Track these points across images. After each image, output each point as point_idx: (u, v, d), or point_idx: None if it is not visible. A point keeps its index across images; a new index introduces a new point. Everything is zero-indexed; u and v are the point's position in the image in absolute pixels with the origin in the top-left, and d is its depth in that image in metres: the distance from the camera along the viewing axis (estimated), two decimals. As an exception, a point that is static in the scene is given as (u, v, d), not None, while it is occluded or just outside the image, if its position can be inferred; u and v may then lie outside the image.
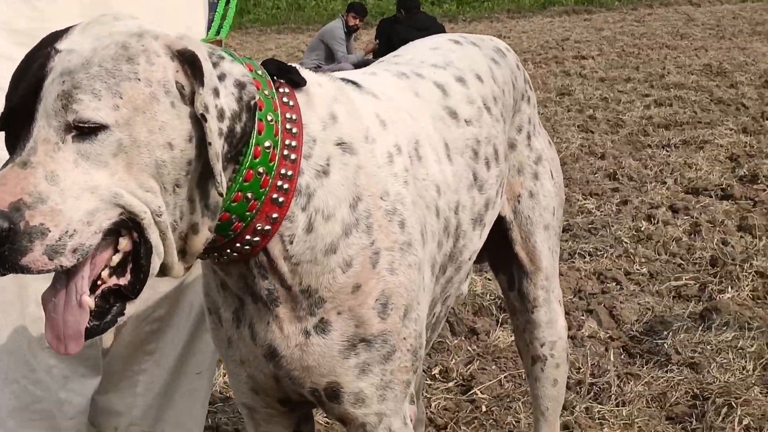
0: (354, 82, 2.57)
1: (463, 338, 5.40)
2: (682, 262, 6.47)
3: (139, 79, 2.01)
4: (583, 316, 5.56)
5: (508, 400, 4.64)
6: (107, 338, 3.29)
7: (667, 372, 4.80)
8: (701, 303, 5.71)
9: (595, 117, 11.72)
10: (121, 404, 3.41)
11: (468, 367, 5.00)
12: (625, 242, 6.88)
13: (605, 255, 6.65)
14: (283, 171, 2.22)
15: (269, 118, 2.19)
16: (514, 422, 4.43)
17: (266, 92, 2.22)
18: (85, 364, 3.16)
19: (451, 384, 4.86)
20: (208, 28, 2.76)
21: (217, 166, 2.02)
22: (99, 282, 2.08)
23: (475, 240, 2.85)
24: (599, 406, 4.49)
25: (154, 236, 2.07)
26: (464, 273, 2.91)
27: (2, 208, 1.92)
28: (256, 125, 2.16)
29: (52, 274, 2.05)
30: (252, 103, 2.12)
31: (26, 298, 2.98)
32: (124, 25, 2.10)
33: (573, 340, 5.15)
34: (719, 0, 28.67)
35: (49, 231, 1.94)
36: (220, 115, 2.05)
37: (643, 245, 6.80)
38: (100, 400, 3.38)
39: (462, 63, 2.97)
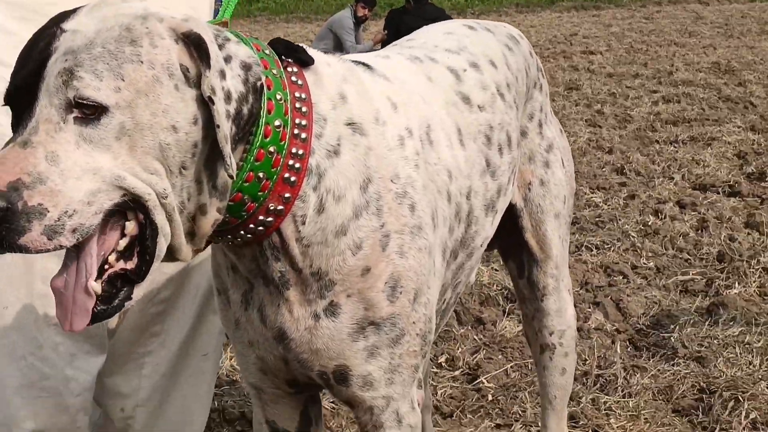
0: (365, 64, 2.56)
1: (469, 327, 5.41)
2: (689, 257, 6.47)
3: (142, 62, 2.01)
4: (589, 308, 5.56)
5: (514, 389, 4.64)
6: (113, 318, 3.29)
7: (673, 365, 4.81)
8: (708, 298, 5.72)
9: (603, 112, 11.71)
10: (127, 386, 3.41)
11: (474, 356, 5.01)
12: (633, 236, 6.88)
13: (612, 248, 6.65)
14: (294, 150, 2.21)
15: (278, 97, 2.19)
16: (520, 412, 4.43)
17: (274, 71, 2.21)
18: (90, 342, 3.16)
19: (457, 373, 4.86)
20: (215, 15, 2.75)
21: (226, 148, 2.02)
22: (106, 266, 2.08)
23: (487, 226, 2.84)
24: (606, 397, 4.49)
25: (159, 218, 2.07)
26: (476, 260, 2.90)
27: (0, 188, 1.92)
28: (265, 104, 2.15)
29: (60, 251, 2.05)
30: (258, 84, 2.12)
31: (33, 275, 2.98)
32: (130, 7, 2.10)
33: (579, 332, 5.14)
34: (728, -1, 28.68)
35: (48, 211, 1.93)
36: (227, 97, 2.04)
37: (650, 240, 6.81)
38: (107, 381, 3.38)
39: (476, 48, 2.96)
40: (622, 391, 4.56)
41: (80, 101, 1.96)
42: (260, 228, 2.25)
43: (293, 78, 2.26)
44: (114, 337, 3.33)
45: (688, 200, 7.70)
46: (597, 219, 7.35)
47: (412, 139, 2.46)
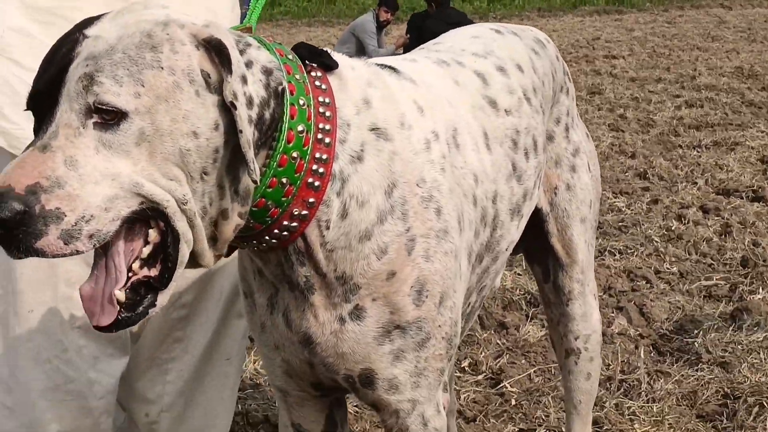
0: (392, 68, 2.56)
1: (492, 332, 5.40)
2: (713, 262, 6.45)
3: (162, 68, 2.01)
4: (613, 313, 5.55)
5: (537, 394, 4.63)
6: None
7: (697, 371, 4.79)
8: (732, 303, 5.69)
9: (625, 116, 11.69)
10: (151, 392, 3.42)
11: (497, 360, 5.00)
12: (656, 241, 6.86)
13: (635, 253, 6.63)
14: (317, 155, 2.21)
15: (301, 102, 2.18)
16: (543, 416, 4.42)
17: (297, 76, 2.21)
18: (113, 345, 3.16)
19: (480, 377, 4.86)
20: (246, 4, 2.75)
21: (249, 153, 2.02)
22: (130, 274, 2.09)
23: (513, 230, 2.84)
24: (629, 402, 4.48)
25: (180, 224, 2.07)
26: (501, 263, 2.90)
27: (18, 191, 1.92)
28: (288, 110, 2.15)
29: (85, 256, 2.06)
30: (280, 88, 2.12)
31: (57, 278, 2.99)
32: (152, 14, 2.10)
33: (603, 336, 5.09)
34: (751, 3, 28.53)
35: (65, 215, 1.94)
36: (249, 102, 2.04)
37: (673, 244, 6.78)
38: (132, 386, 3.39)
39: (503, 52, 2.95)
40: (646, 396, 4.55)
41: (100, 106, 1.97)
42: (285, 233, 2.25)
43: (317, 82, 2.26)
44: (138, 342, 3.34)
45: (712, 205, 7.67)
46: (620, 224, 7.33)
47: (439, 143, 2.46)
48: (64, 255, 1.97)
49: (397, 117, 2.38)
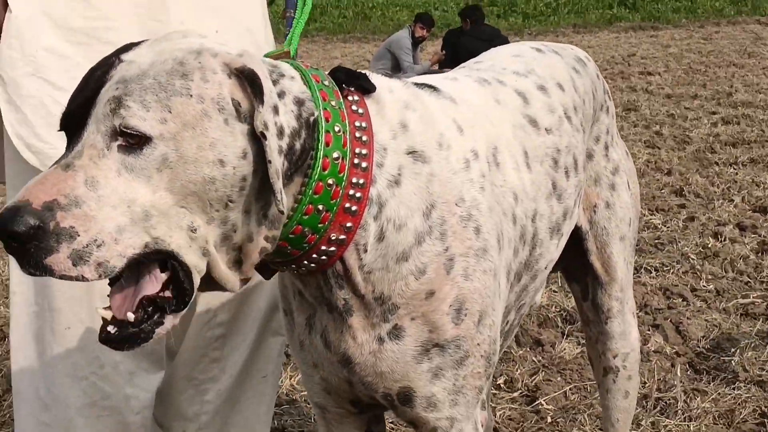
0: (432, 87, 2.55)
1: (528, 349, 5.39)
2: (750, 280, 6.42)
3: (191, 95, 2.02)
4: (649, 330, 5.53)
5: (573, 411, 4.62)
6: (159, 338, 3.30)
7: (734, 389, 4.77)
8: (769, 321, 5.67)
9: (661, 133, 11.65)
10: (189, 410, 3.43)
11: (533, 377, 5.00)
12: (692, 258, 6.84)
13: (671, 271, 6.61)
14: (354, 180, 2.20)
15: (336, 128, 2.18)
16: (579, 434, 4.42)
17: (333, 103, 2.20)
18: (148, 359, 3.18)
19: (515, 394, 4.85)
20: (289, 25, 2.76)
21: (278, 183, 2.02)
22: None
23: (552, 249, 2.84)
24: (666, 420, 4.47)
25: (189, 257, 2.07)
26: (540, 281, 2.90)
27: (35, 207, 1.93)
28: (323, 137, 2.15)
29: None
30: (311, 119, 2.12)
31: (92, 295, 2.99)
32: (188, 42, 2.12)
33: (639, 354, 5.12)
34: (788, 19, 28.45)
35: (78, 235, 1.94)
36: (280, 133, 2.05)
37: (709, 262, 6.76)
38: (170, 404, 3.41)
39: (543, 71, 2.96)
40: (683, 414, 4.53)
41: (125, 130, 1.97)
42: (323, 257, 2.25)
43: (354, 107, 2.26)
44: (174, 360, 3.36)
45: (749, 222, 7.64)
46: (656, 241, 7.32)
47: (478, 162, 2.45)
48: (70, 278, 1.97)
49: (435, 138, 2.38)
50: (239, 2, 3.17)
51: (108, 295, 2.12)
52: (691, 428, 4.38)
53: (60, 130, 2.11)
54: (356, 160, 2.21)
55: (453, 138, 2.42)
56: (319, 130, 2.14)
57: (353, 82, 2.31)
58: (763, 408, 4.55)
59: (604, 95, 3.23)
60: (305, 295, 2.43)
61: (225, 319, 3.35)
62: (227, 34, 2.98)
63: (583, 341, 5.21)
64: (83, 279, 1.97)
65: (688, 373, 5.05)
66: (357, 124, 2.23)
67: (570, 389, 4.86)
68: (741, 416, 4.48)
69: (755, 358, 5.10)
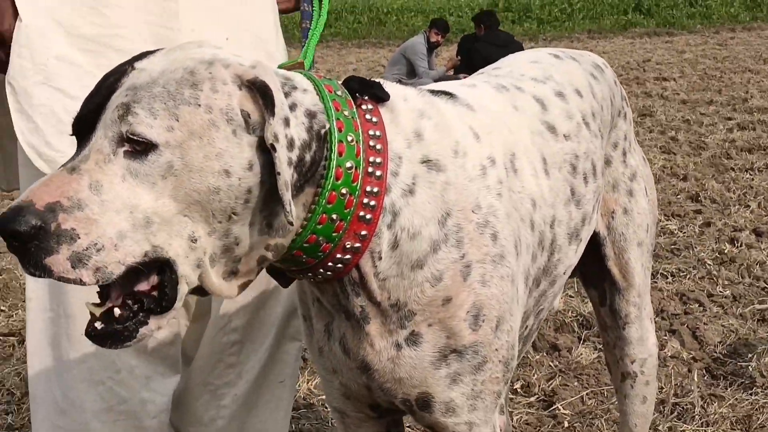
0: (449, 94, 2.56)
1: (544, 354, 5.40)
2: (766, 286, 6.42)
3: (200, 105, 2.02)
4: (665, 336, 5.54)
5: (590, 416, 4.63)
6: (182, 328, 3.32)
7: (751, 395, 4.77)
8: (786, 327, 5.66)
9: (677, 139, 11.64)
10: (205, 416, 3.43)
11: (550, 382, 5.01)
12: (708, 264, 6.83)
13: (688, 276, 6.61)
14: (368, 188, 2.21)
15: (350, 138, 2.18)
16: (596, 439, 4.43)
17: (346, 112, 2.21)
18: (164, 363, 3.19)
19: (532, 399, 4.86)
20: (305, 36, 2.77)
21: (287, 195, 2.02)
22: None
23: (571, 255, 2.85)
24: (683, 425, 4.47)
25: (183, 267, 2.08)
26: (558, 287, 2.91)
27: (38, 207, 1.95)
28: (336, 147, 2.15)
29: None
30: (322, 132, 2.13)
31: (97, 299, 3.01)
32: (201, 52, 2.13)
33: (656, 359, 5.12)
34: (804, 25, 28.39)
35: (79, 237, 1.96)
36: (290, 145, 2.05)
37: (726, 267, 6.76)
38: (186, 410, 3.42)
39: (562, 77, 2.96)
40: (700, 419, 4.54)
41: (131, 136, 1.99)
42: (339, 265, 2.26)
43: (367, 116, 2.26)
44: (190, 366, 3.37)
45: (765, 228, 7.64)
46: (672, 246, 7.32)
47: (495, 168, 2.46)
48: (69, 280, 1.98)
49: (450, 146, 2.38)
50: (250, 10, 3.17)
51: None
52: (708, 433, 4.38)
53: (72, 135, 2.13)
54: (370, 169, 2.21)
55: (469, 145, 2.42)
56: (332, 140, 2.15)
57: (367, 91, 2.32)
58: (780, 413, 4.55)
59: (622, 101, 3.24)
60: (323, 303, 2.44)
61: (240, 325, 3.35)
62: (238, 42, 3.00)
63: (600, 346, 5.22)
64: (81, 282, 1.98)
65: (705, 378, 5.05)
66: (371, 132, 2.24)
67: (587, 394, 4.87)
68: (759, 422, 4.48)
69: (772, 364, 5.10)
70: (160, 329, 2.16)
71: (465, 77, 3.28)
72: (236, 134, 2.04)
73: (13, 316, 6.08)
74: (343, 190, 2.17)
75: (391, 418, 2.74)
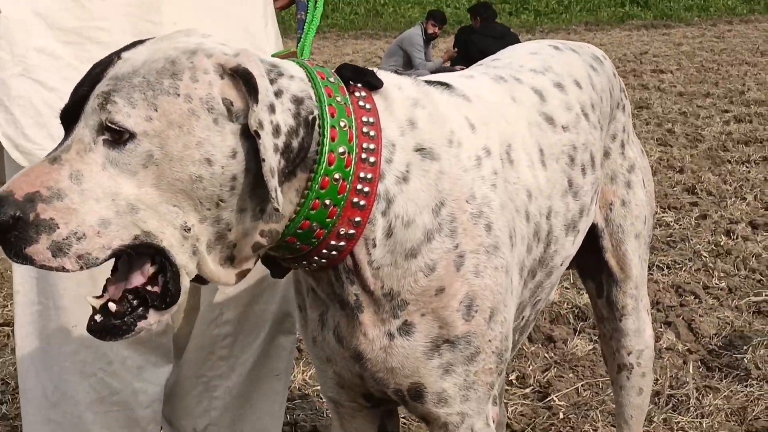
0: (445, 84, 2.55)
1: (540, 345, 5.40)
2: (762, 278, 6.42)
3: (179, 95, 2.02)
4: (661, 328, 5.54)
5: (585, 408, 4.63)
6: (177, 321, 3.31)
7: (746, 386, 4.78)
8: (781, 319, 5.67)
9: (673, 131, 11.65)
10: (198, 407, 3.43)
11: (545, 374, 5.01)
12: (704, 256, 6.84)
13: (684, 268, 6.62)
14: (362, 174, 2.20)
15: (342, 123, 2.17)
16: (591, 430, 4.42)
17: (338, 98, 2.20)
18: (156, 353, 3.19)
19: (527, 390, 4.86)
20: (300, 28, 2.75)
21: (272, 181, 2.01)
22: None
23: (568, 246, 2.84)
24: (678, 417, 4.48)
25: (180, 257, 2.08)
26: (555, 278, 2.90)
27: (17, 198, 1.96)
28: (328, 132, 2.14)
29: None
30: (310, 118, 2.11)
31: (99, 292, 3.00)
32: (186, 41, 2.12)
33: (652, 351, 5.13)
34: (801, 18, 28.40)
35: (58, 227, 1.96)
36: (276, 131, 2.03)
37: (721, 260, 6.77)
38: (178, 402, 3.42)
39: (561, 69, 2.96)
40: (695, 411, 4.54)
41: (110, 125, 1.99)
42: (333, 252, 2.25)
43: (361, 102, 2.26)
44: (182, 358, 3.36)
45: (761, 221, 7.64)
46: (668, 238, 7.32)
47: (490, 159, 2.45)
48: (51, 268, 1.99)
49: (444, 135, 2.37)
50: (237, 2, 3.13)
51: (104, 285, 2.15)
52: (704, 425, 4.38)
53: (61, 124, 2.13)
54: (364, 155, 2.21)
55: (464, 135, 2.42)
56: (324, 126, 2.14)
57: (360, 79, 2.31)
58: (775, 405, 4.55)
59: (621, 93, 3.24)
60: (318, 292, 2.44)
61: (232, 318, 3.34)
62: (223, 34, 2.98)
63: (595, 338, 5.22)
64: (64, 270, 2.00)
65: (701, 370, 5.05)
66: (364, 119, 2.23)
67: (582, 386, 4.87)
68: (753, 413, 4.48)
69: (767, 356, 5.10)
70: (160, 322, 2.17)
71: (462, 69, 3.26)
72: (218, 123, 2.04)
73: (8, 306, 6.07)
74: (336, 176, 2.16)
75: (385, 408, 2.74)
